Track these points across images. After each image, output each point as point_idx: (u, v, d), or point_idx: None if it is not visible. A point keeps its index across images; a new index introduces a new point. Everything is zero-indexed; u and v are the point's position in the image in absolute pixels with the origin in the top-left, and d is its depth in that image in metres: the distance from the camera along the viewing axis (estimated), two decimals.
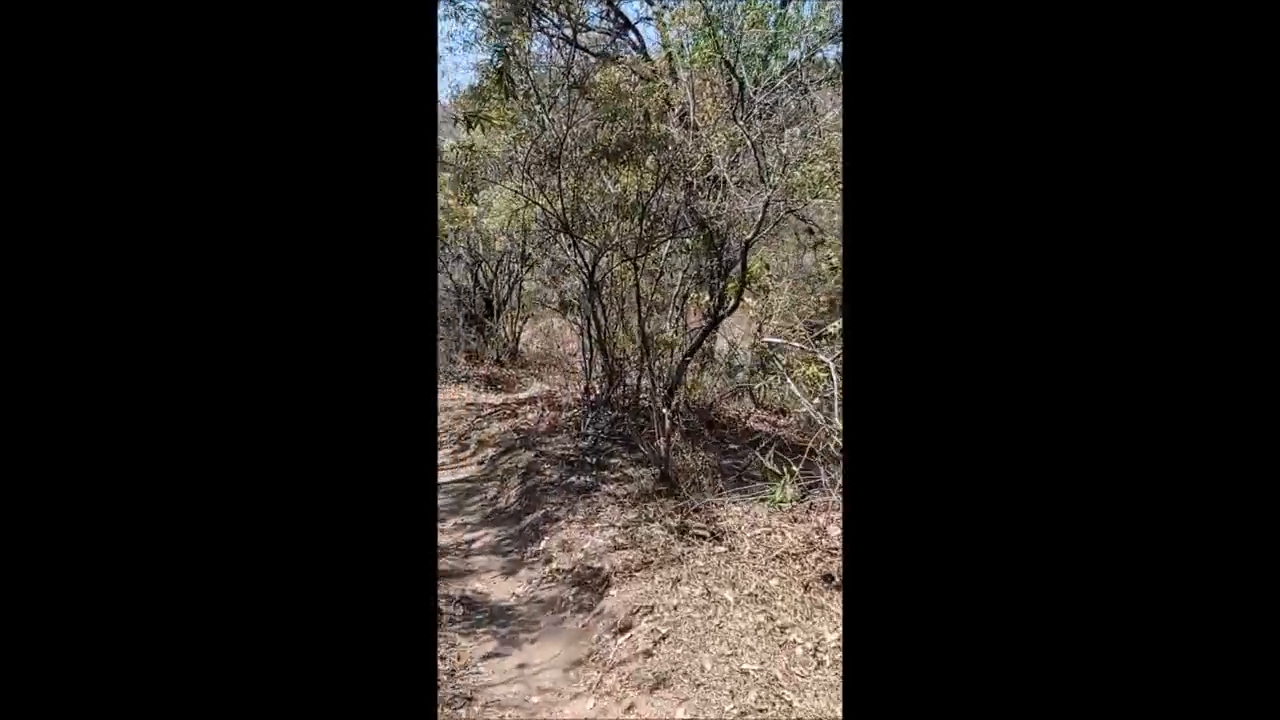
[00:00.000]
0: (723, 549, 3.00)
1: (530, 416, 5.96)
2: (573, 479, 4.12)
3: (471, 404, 6.84)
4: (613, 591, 2.89)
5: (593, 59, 5.68)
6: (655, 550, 3.13)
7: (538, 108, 4.51)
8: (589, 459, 4.46)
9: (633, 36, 6.54)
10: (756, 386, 5.52)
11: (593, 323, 5.63)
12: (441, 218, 7.58)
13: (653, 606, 2.71)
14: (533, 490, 4.15)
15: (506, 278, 8.76)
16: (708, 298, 5.28)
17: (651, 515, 3.48)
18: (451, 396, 7.24)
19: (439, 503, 4.39)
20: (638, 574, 2.98)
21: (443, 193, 7.59)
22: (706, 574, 2.79)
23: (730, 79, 4.57)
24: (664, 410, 3.85)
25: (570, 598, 2.96)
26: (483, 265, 8.77)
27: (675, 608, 2.59)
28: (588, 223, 5.89)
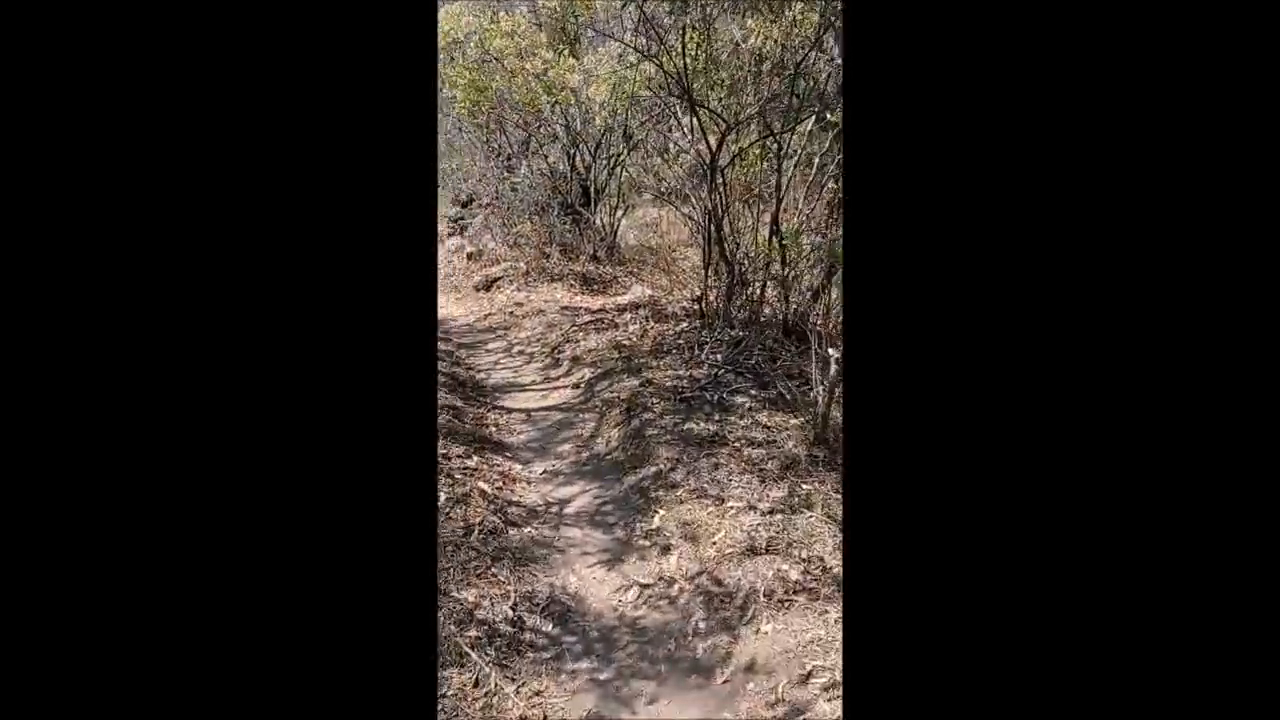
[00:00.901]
0: None
1: (632, 329, 4.99)
2: (690, 425, 3.16)
3: (567, 308, 5.94)
4: (764, 628, 1.96)
5: None
6: (820, 563, 2.15)
7: None
8: (708, 394, 3.48)
9: None
10: None
11: (711, 217, 4.50)
12: (537, 87, 6.43)
13: (828, 668, 1.76)
14: (639, 434, 3.23)
15: (606, 160, 7.62)
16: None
17: (809, 498, 2.48)
18: (545, 297, 6.36)
19: (525, 437, 3.56)
20: (797, 599, 2.03)
21: (538, 54, 6.41)
22: None
23: None
24: (828, 350, 2.75)
25: (700, 624, 2.06)
26: (581, 146, 7.63)
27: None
28: (714, 89, 4.62)
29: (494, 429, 3.55)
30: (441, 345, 4.99)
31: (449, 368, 4.39)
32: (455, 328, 5.92)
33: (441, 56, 6.42)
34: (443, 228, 9.78)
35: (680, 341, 4.48)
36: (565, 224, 7.81)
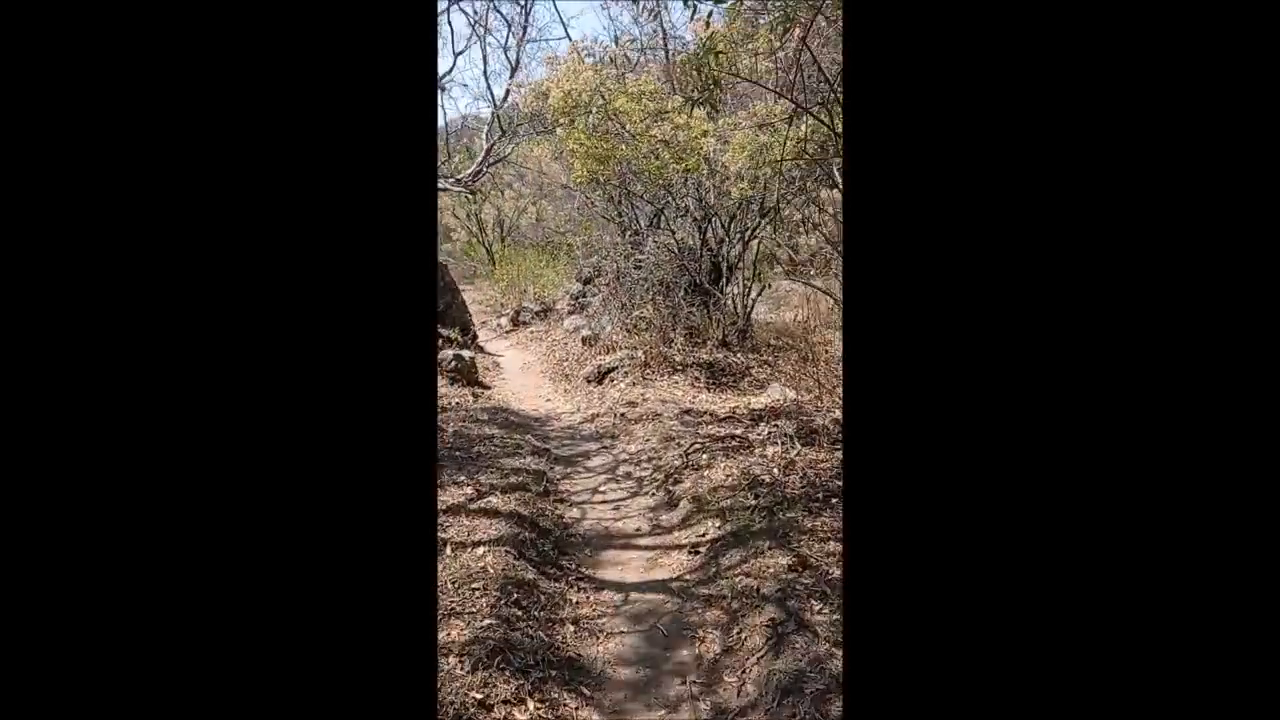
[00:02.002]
0: None
1: (772, 454, 3.73)
2: None
3: (689, 412, 4.77)
4: None
5: None
6: None
7: None
8: None
9: None
10: None
11: None
12: (666, 156, 5.50)
13: None
14: (794, 687, 1.93)
15: (740, 234, 6.54)
16: None
17: None
18: (663, 395, 5.23)
19: (614, 648, 2.35)
20: None
21: (669, 119, 5.51)
22: None
23: None
24: None
25: None
26: (714, 220, 6.61)
27: None
28: None
29: (570, 633, 2.37)
30: (534, 461, 3.96)
31: (534, 502, 3.31)
32: (557, 430, 4.90)
33: (561, 120, 5.70)
34: (564, 304, 9.07)
35: (838, 477, 3.18)
36: (693, 304, 6.75)
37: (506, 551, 2.69)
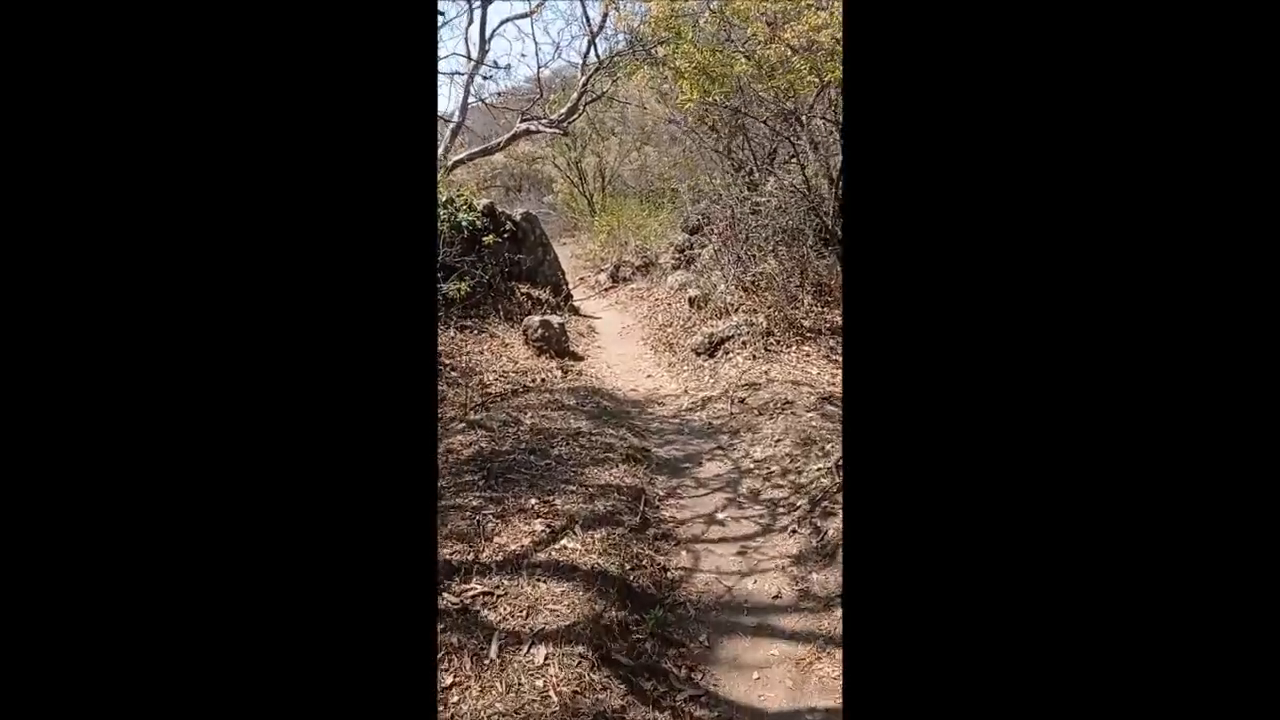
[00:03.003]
0: None
1: None
2: None
3: (829, 399, 3.60)
4: None
5: None
6: None
7: None
8: None
9: None
10: None
11: None
12: (800, 65, 4.18)
13: None
14: None
15: None
16: None
17: None
18: (794, 373, 4.06)
19: None
20: None
21: (804, 18, 4.17)
22: None
23: None
24: None
25: None
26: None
27: None
28: None
29: None
30: (628, 473, 2.95)
31: (627, 545, 2.30)
32: (659, 420, 3.86)
33: (665, 33, 4.49)
34: (667, 258, 7.94)
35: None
36: (826, 257, 5.45)
37: (581, 657, 1.70)
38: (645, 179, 12.22)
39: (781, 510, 2.69)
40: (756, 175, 6.64)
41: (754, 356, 4.39)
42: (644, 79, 6.61)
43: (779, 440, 3.23)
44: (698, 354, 4.65)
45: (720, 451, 3.31)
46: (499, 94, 9.48)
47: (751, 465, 3.10)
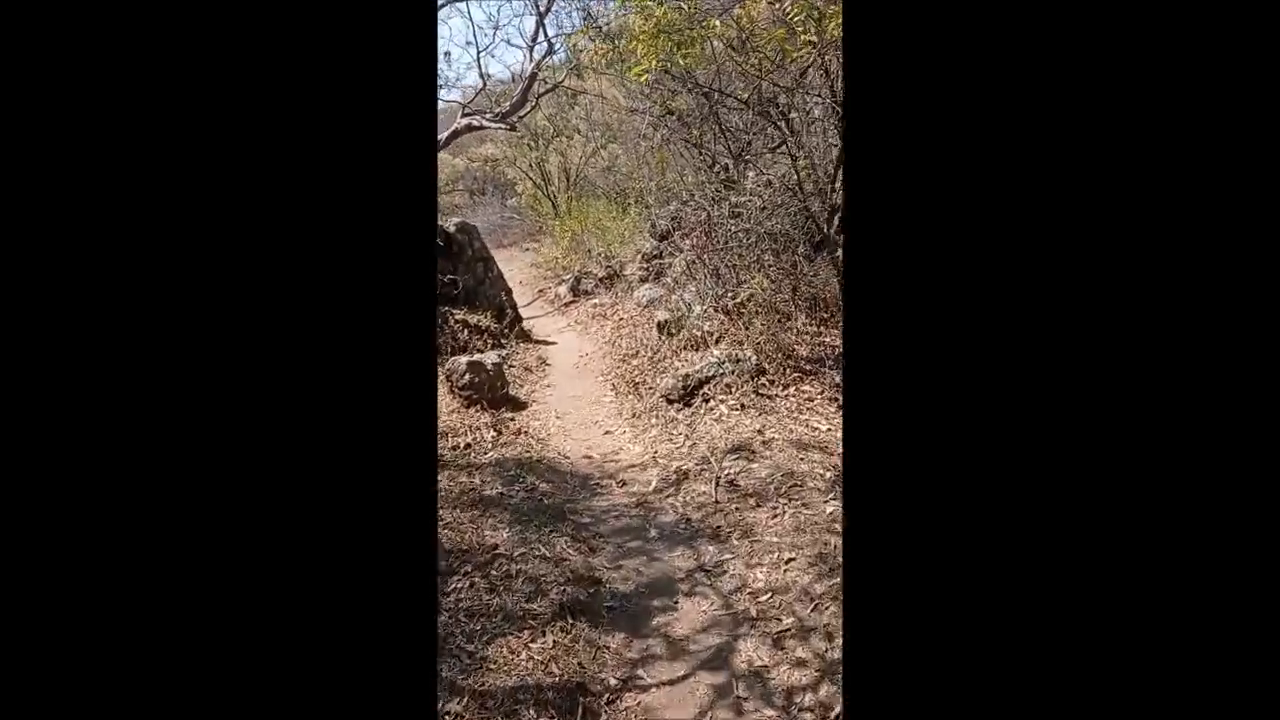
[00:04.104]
0: None
1: None
2: None
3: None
4: None
5: None
6: None
7: None
8: None
9: None
10: None
11: None
12: (794, 9, 3.08)
13: None
14: None
15: None
16: None
17: None
18: (798, 433, 2.95)
19: None
20: None
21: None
22: None
23: None
24: None
25: None
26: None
27: None
28: None
29: None
30: (570, 643, 1.83)
31: None
32: (615, 511, 2.70)
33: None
34: (634, 268, 6.81)
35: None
36: (825, 265, 4.36)
37: None
38: (613, 179, 11.11)
39: (800, 701, 1.59)
40: (732, 170, 5.53)
41: (742, 405, 3.28)
42: (601, 59, 5.49)
43: (788, 558, 2.13)
44: (670, 401, 3.53)
45: (703, 576, 2.19)
46: (441, 85, 8.24)
47: (750, 605, 1.99)
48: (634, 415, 3.59)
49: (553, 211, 11.36)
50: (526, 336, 5.41)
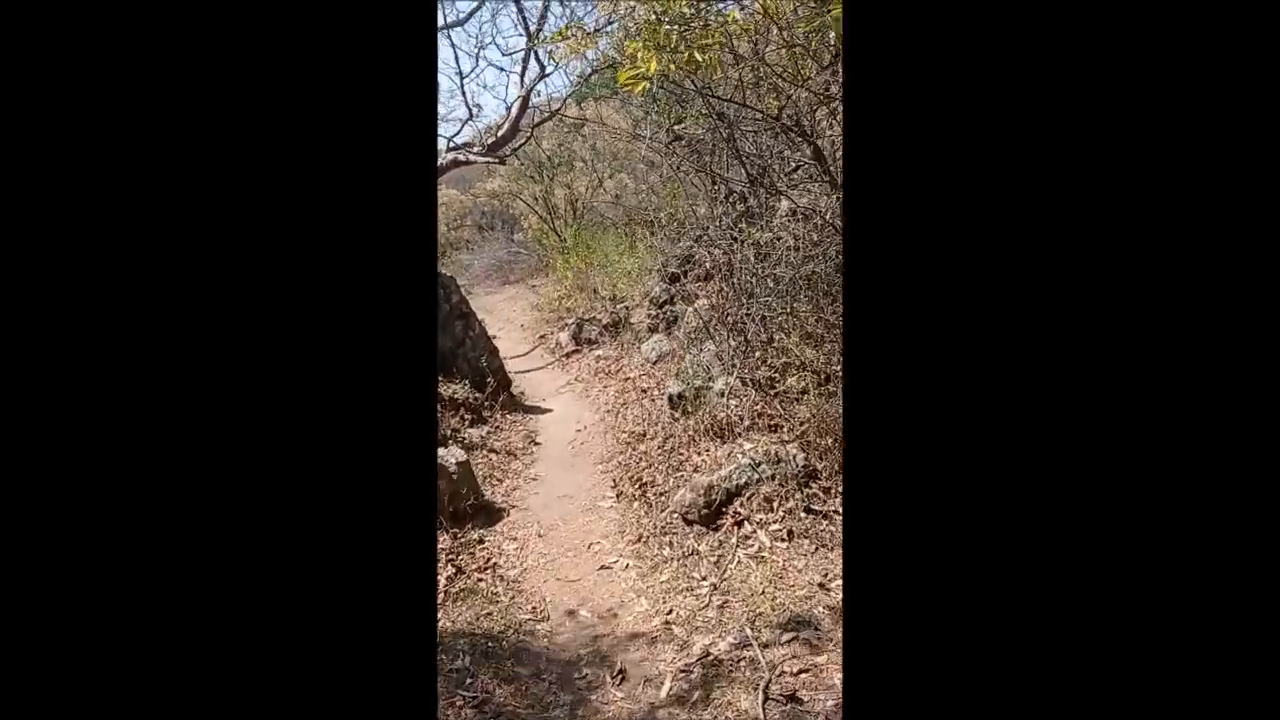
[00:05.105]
0: None
1: None
2: None
3: None
4: None
5: None
6: None
7: None
8: None
9: None
10: None
11: None
12: (805, 28, 2.20)
13: None
14: None
15: None
16: None
17: None
18: None
19: None
20: None
21: None
22: None
23: None
24: None
25: None
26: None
27: None
28: None
29: None
30: None
31: None
32: None
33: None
34: (642, 315, 5.87)
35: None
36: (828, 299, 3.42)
37: None
38: (622, 211, 10.30)
39: None
40: (751, 201, 4.59)
41: (789, 532, 2.29)
42: (576, 53, 4.64)
43: None
44: (688, 520, 2.55)
45: None
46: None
47: None
48: (640, 539, 2.60)
49: (559, 245, 10.55)
50: (516, 404, 4.47)
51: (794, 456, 2.56)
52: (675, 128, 4.80)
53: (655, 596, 2.25)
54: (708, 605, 2.12)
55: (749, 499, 2.47)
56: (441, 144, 6.43)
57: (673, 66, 2.06)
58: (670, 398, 3.42)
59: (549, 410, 4.48)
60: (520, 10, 7.02)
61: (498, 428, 3.93)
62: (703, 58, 2.02)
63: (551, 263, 9.99)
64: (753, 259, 3.67)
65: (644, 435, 3.42)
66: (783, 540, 2.28)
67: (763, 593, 2.08)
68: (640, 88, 1.99)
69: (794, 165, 3.90)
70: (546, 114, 6.84)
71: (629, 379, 4.51)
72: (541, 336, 6.79)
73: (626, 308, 6.00)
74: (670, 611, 2.15)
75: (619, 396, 4.27)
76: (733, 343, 3.43)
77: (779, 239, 3.61)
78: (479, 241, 13.80)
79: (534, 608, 2.27)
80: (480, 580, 2.40)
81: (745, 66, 2.81)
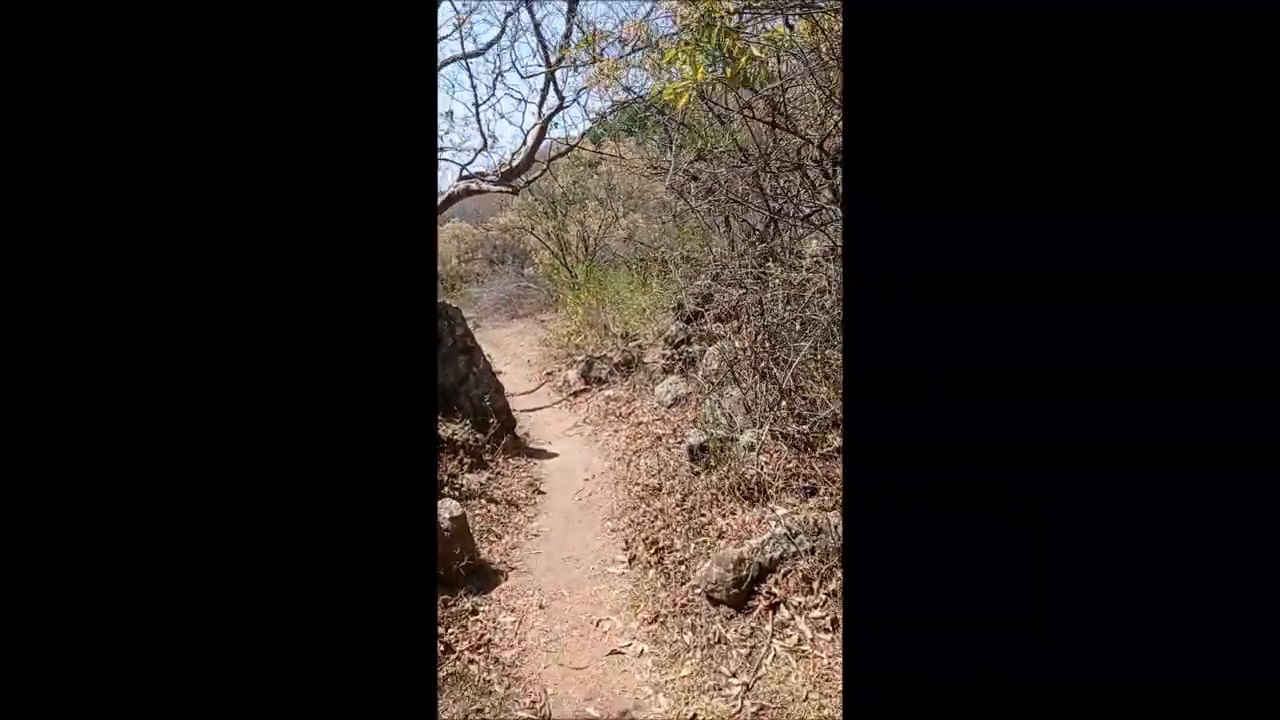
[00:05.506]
0: None
1: None
2: None
3: None
4: None
5: None
6: None
7: None
8: None
9: None
10: None
11: None
12: None
13: None
14: None
15: None
16: None
17: None
18: None
19: None
20: None
21: None
22: None
23: None
24: None
25: None
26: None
27: None
28: None
29: None
30: None
31: None
32: None
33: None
34: (656, 354, 5.57)
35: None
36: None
37: None
38: (634, 248, 10.12)
39: None
40: (769, 238, 4.32)
41: (833, 622, 1.93)
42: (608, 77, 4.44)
43: None
44: (714, 599, 2.19)
45: None
46: (441, 150, 7.30)
47: None
48: (656, 618, 2.23)
49: (570, 281, 10.34)
50: (520, 447, 4.13)
51: (836, 527, 2.21)
52: (693, 165, 4.58)
53: (676, 695, 1.88)
54: (739, 712, 1.75)
55: (784, 576, 2.11)
56: (454, 172, 6.25)
57: (715, 77, 1.79)
58: (690, 449, 3.08)
59: (554, 455, 4.13)
60: (540, 39, 6.91)
61: (499, 473, 3.59)
62: (751, 69, 1.75)
63: (562, 298, 9.74)
64: (781, 301, 3.37)
65: (659, 489, 3.07)
66: (826, 631, 1.92)
67: (805, 698, 1.72)
68: (684, 99, 1.71)
69: (818, 206, 3.65)
70: (564, 148, 6.67)
71: (641, 423, 4.17)
72: (549, 373, 6.48)
73: (639, 346, 5.70)
74: (694, 717, 1.78)
75: (631, 443, 3.93)
76: (760, 388, 3.11)
77: (809, 279, 3.33)
78: (489, 275, 13.62)
79: (533, 701, 1.90)
80: (472, 663, 2.04)
81: (792, 82, 2.56)
